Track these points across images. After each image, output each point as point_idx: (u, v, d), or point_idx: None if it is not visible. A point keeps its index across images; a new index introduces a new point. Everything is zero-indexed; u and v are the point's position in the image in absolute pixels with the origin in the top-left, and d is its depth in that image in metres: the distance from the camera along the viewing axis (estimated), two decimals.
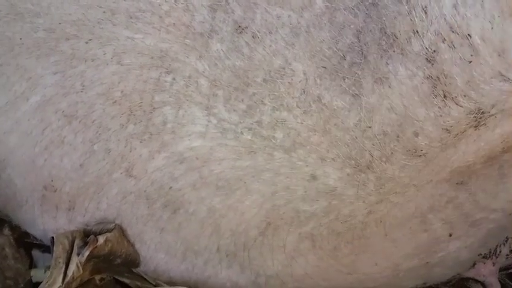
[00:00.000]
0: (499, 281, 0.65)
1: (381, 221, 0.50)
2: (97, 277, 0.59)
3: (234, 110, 0.47)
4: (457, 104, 0.44)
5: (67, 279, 0.51)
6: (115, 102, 0.49)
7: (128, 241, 0.57)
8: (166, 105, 0.48)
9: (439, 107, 0.44)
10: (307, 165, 0.47)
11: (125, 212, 0.55)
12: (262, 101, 0.46)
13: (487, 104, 0.44)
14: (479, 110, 0.44)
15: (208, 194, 0.50)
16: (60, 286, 0.51)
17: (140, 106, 0.48)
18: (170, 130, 0.48)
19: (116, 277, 0.60)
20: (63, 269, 0.52)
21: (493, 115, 0.45)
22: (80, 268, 0.52)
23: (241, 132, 0.47)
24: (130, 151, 0.50)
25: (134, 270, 0.61)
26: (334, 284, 0.56)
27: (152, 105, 0.48)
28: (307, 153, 0.47)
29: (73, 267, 0.52)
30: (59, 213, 0.59)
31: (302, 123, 0.46)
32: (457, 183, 0.49)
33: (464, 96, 0.44)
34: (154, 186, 0.51)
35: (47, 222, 0.60)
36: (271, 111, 0.46)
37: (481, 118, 0.45)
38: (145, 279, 0.60)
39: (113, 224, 0.57)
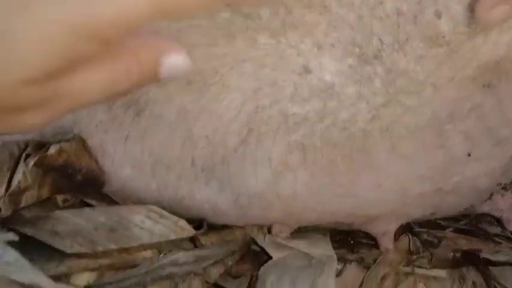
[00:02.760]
0: None
1: (387, 130, 0.41)
2: (59, 198, 0.52)
3: None
4: None
5: (12, 188, 0.43)
6: None
7: (90, 154, 0.48)
8: None
9: None
10: (299, 54, 0.38)
11: (83, 118, 0.46)
12: None
13: None
14: None
15: (177, 90, 0.41)
16: (2, 196, 0.43)
17: None
18: None
19: (81, 198, 0.52)
20: (7, 177, 0.44)
21: None
22: (28, 178, 0.44)
23: (216, 10, 0.38)
24: None
25: (102, 191, 0.53)
26: (329, 208, 0.48)
27: None
28: (299, 38, 0.38)
29: (19, 175, 0.43)
30: None
31: None
32: (483, 85, 0.40)
33: None
34: None
35: None
36: None
37: None
38: (115, 201, 0.52)
39: (72, 134, 0.48)
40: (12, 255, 0.37)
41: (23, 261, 0.36)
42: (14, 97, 0.24)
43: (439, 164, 0.45)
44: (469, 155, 0.46)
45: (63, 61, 0.24)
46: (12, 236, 0.38)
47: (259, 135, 0.42)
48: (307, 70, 0.38)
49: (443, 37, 0.37)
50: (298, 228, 0.53)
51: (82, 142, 0.48)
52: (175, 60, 0.28)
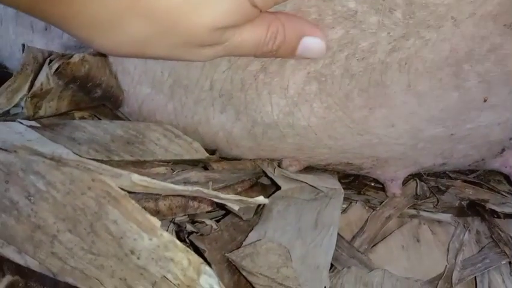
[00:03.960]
0: None
1: (406, 63, 0.41)
2: (77, 114, 0.53)
3: None
4: None
5: (34, 88, 0.44)
6: None
7: (111, 70, 0.49)
8: None
9: None
10: None
11: None
12: None
13: None
14: None
15: None
16: (25, 94, 0.44)
17: None
18: None
19: (98, 116, 0.53)
20: (31, 77, 0.46)
21: None
22: (51, 82, 0.45)
23: None
24: None
25: (117, 112, 0.54)
26: (341, 144, 0.48)
27: None
28: None
29: (42, 78, 0.44)
30: (35, 35, 0.52)
31: None
32: (504, 25, 0.40)
33: None
34: None
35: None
36: None
37: None
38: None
39: (93, 50, 0.49)
40: (34, 134, 0.38)
41: (45, 139, 0.37)
42: (203, 36, 0.33)
43: (454, 106, 0.45)
44: (485, 101, 0.46)
45: (237, 17, 0.34)
46: (34, 123, 0.39)
47: (281, 63, 0.42)
48: None
49: None
50: (308, 167, 0.54)
51: (104, 57, 0.49)
52: (313, 42, 0.39)
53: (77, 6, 0.30)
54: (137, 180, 0.32)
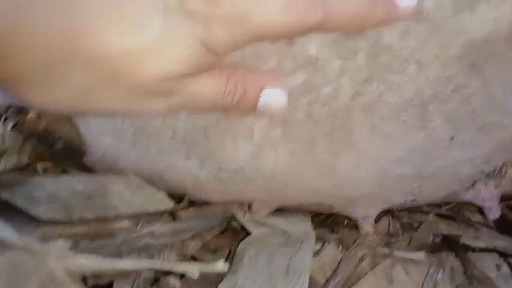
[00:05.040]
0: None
1: (369, 108, 0.40)
2: (40, 166, 0.51)
3: None
4: None
5: None
6: None
7: (71, 122, 0.48)
8: None
9: None
10: None
11: None
12: None
13: None
14: None
15: None
16: None
17: None
18: None
19: (62, 167, 0.52)
20: None
21: None
22: (6, 141, 0.43)
23: None
24: None
25: (83, 161, 0.52)
26: (309, 186, 0.47)
27: None
28: None
29: None
30: None
31: None
32: (469, 66, 0.39)
33: None
34: None
35: None
36: None
37: None
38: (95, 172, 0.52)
39: None
40: None
41: None
42: (152, 86, 0.30)
43: (420, 146, 0.45)
44: (452, 139, 0.46)
45: (192, 65, 0.30)
46: None
47: None
48: (292, 42, 0.38)
49: (428, 12, 0.36)
50: (280, 208, 0.53)
51: None
52: (274, 95, 0.35)
53: (2, 60, 0.26)
54: (85, 262, 0.30)
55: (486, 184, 0.55)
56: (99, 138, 0.47)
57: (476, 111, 0.44)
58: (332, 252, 0.52)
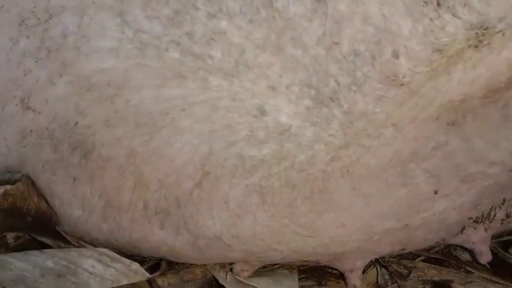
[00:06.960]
0: (490, 249, 0.55)
1: (348, 171, 0.39)
2: (10, 235, 0.49)
3: (157, 17, 0.35)
4: (454, 15, 0.33)
5: None
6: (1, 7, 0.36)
7: (39, 195, 0.46)
8: (66, 10, 0.35)
9: (430, 19, 0.33)
10: (253, 96, 0.36)
11: (29, 157, 0.43)
12: (194, 4, 0.34)
13: (494, 16, 0.33)
14: (482, 24, 0.33)
15: (125, 133, 0.38)
16: None
17: (34, 12, 0.36)
18: (72, 45, 0.36)
19: (34, 236, 0.49)
20: None
21: (500, 32, 0.34)
22: None
23: (165, 49, 0.36)
24: (25, 74, 0.38)
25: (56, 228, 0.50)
26: (292, 247, 0.46)
27: (48, 10, 0.36)
28: (253, 79, 0.35)
29: None
30: None
31: (247, 36, 0.34)
32: (447, 124, 0.38)
33: (464, 5, 0.33)
34: (57, 122, 0.39)
35: None
36: (205, 19, 0.34)
37: (483, 35, 0.34)
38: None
39: (20, 175, 0.46)
40: None
41: None
42: None
43: (404, 201, 0.44)
44: (436, 193, 0.44)
45: None
46: None
47: (215, 179, 0.40)
48: (262, 112, 0.36)
49: (403, 77, 0.35)
50: (264, 266, 0.51)
51: (30, 182, 0.46)
52: None
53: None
54: None
55: (475, 228, 0.54)
56: (68, 210, 0.45)
57: (460, 164, 0.43)
58: None
